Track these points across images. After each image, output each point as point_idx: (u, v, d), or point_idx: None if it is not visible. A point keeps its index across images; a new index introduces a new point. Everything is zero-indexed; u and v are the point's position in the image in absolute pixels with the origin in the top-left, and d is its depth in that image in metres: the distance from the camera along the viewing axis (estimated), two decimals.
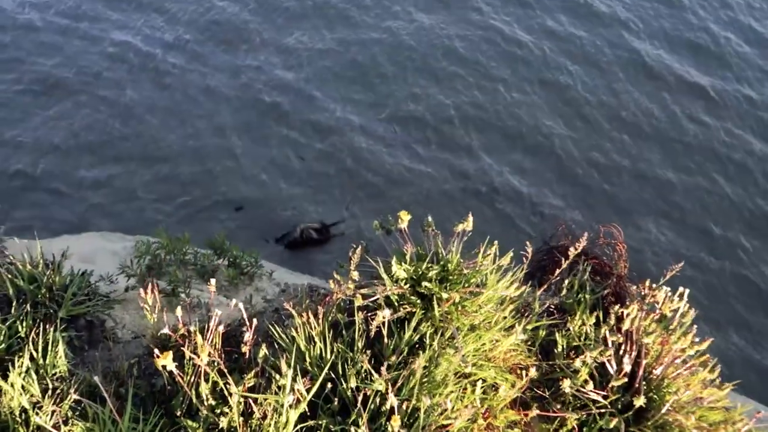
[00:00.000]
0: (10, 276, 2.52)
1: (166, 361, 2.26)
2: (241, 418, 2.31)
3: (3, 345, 2.30)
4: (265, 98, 12.64)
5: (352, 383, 2.44)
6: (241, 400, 2.35)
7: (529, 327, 2.90)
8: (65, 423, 2.18)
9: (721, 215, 9.93)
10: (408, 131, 12.11)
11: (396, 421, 2.11)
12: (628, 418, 2.79)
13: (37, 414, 2.13)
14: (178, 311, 2.47)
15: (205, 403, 2.38)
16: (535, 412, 2.70)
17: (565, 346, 2.95)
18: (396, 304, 2.71)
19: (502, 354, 2.84)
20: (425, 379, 2.52)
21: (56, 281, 2.59)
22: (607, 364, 2.80)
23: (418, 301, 2.72)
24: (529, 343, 2.95)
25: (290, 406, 2.25)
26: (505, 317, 2.73)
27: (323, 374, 2.36)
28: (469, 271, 2.80)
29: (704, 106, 11.76)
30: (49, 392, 2.27)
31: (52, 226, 10.64)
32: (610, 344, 2.85)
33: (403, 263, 2.74)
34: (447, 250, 2.90)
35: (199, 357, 2.32)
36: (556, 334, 2.95)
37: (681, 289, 3.11)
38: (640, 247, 8.99)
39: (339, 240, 10.90)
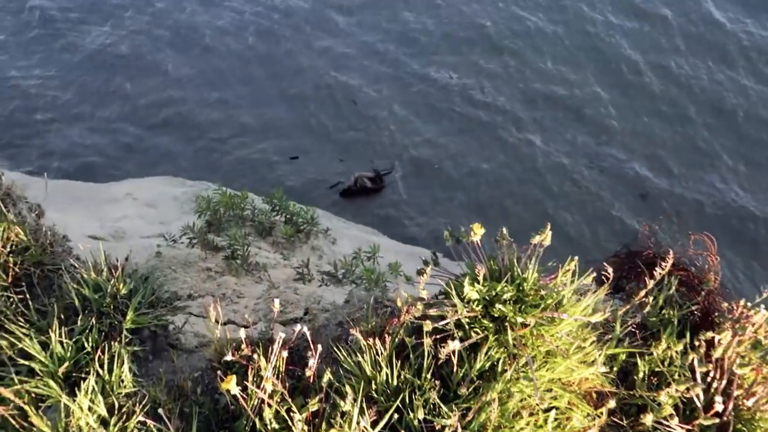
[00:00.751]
0: (75, 286, 2.48)
1: (229, 386, 2.20)
2: None
3: (71, 361, 2.29)
4: (317, 44, 12.29)
5: (420, 415, 2.33)
6: (305, 428, 2.29)
7: (610, 352, 2.69)
8: None
9: None
10: (464, 77, 11.58)
11: None
12: None
13: None
14: (241, 332, 2.38)
15: (269, 427, 2.33)
16: None
17: (647, 373, 2.74)
18: (467, 327, 2.54)
19: (577, 379, 2.65)
20: (497, 412, 2.39)
21: (120, 289, 2.54)
22: (696, 399, 2.58)
23: (491, 325, 2.55)
24: (608, 367, 2.75)
25: None
26: (584, 348, 2.53)
27: (393, 408, 2.25)
28: (546, 292, 2.59)
29: None
30: (116, 410, 2.25)
31: (117, 169, 10.94)
32: (698, 376, 2.62)
33: (476, 284, 2.55)
34: (522, 264, 2.68)
35: (262, 385, 2.25)
36: (638, 360, 2.73)
37: None
38: (732, 259, 8.39)
39: (393, 189, 10.78)
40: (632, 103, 10.90)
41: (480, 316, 2.57)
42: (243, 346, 2.38)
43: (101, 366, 2.30)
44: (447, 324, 2.51)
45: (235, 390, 2.21)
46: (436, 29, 12.21)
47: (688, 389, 2.55)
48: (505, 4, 12.53)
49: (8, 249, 2.51)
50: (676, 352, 2.73)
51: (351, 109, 11.25)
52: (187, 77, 11.60)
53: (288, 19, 12.49)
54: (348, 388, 2.34)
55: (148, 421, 2.20)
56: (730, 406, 2.65)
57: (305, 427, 2.29)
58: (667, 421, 2.57)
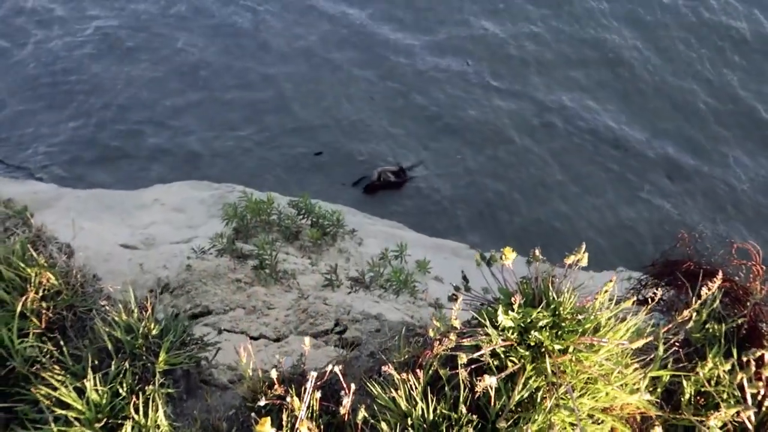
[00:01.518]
0: (107, 329, 2.48)
1: (264, 428, 2.18)
2: None
3: (107, 408, 2.29)
4: (335, 43, 12.18)
5: None
6: None
7: (652, 374, 2.59)
8: None
9: None
10: (481, 66, 11.37)
11: None
12: None
13: None
14: (272, 373, 2.35)
15: None
16: None
17: (692, 393, 2.63)
18: (503, 356, 2.47)
19: (620, 404, 2.57)
20: None
21: (152, 329, 2.54)
22: (747, 422, 2.47)
23: (527, 354, 2.47)
24: (651, 389, 2.65)
25: None
26: (626, 373, 2.44)
27: None
28: (584, 317, 2.50)
29: None
30: None
31: (145, 175, 11.08)
32: (748, 397, 2.50)
33: (510, 312, 2.47)
34: (557, 287, 2.59)
35: (297, 427, 2.23)
36: (683, 380, 2.63)
37: None
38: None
39: (416, 182, 10.68)
40: (661, 79, 10.56)
41: (515, 344, 2.49)
42: (276, 386, 2.35)
43: (137, 411, 2.30)
44: (482, 354, 2.44)
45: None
46: (448, 21, 11.99)
47: (739, 412, 2.44)
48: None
49: (41, 294, 2.52)
50: (724, 371, 2.62)
51: (370, 104, 11.15)
52: (204, 79, 11.64)
53: (303, 17, 12.40)
54: (384, 425, 2.31)
55: None
56: None
57: None
58: None
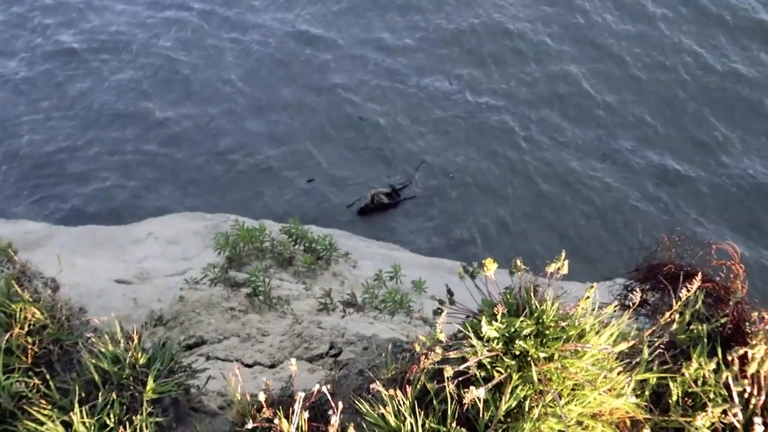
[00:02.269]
0: (93, 360, 2.49)
1: None
2: None
3: None
4: (313, 66, 12.31)
5: None
6: None
7: (638, 378, 2.61)
8: None
9: None
10: (463, 83, 11.51)
11: None
12: None
13: None
14: (260, 395, 2.36)
15: None
16: None
17: (680, 395, 2.65)
18: (489, 367, 2.48)
19: (608, 408, 2.57)
20: None
21: (139, 359, 2.55)
22: (734, 421, 2.48)
23: (513, 363, 2.49)
24: (638, 392, 2.66)
25: None
26: (611, 378, 2.45)
27: None
28: (567, 323, 2.52)
29: None
30: None
31: (137, 209, 11.09)
32: (734, 395, 2.52)
33: (494, 322, 2.49)
34: (539, 296, 2.62)
35: None
36: (670, 382, 2.64)
37: None
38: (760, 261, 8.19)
39: (410, 202, 10.74)
40: (638, 95, 10.71)
41: (501, 354, 2.51)
42: (264, 408, 2.36)
43: None
44: (468, 366, 2.46)
45: None
46: (429, 39, 12.18)
47: (725, 411, 2.45)
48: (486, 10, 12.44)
49: (26, 329, 2.54)
50: (709, 370, 2.63)
51: (360, 125, 11.27)
52: (192, 114, 11.73)
53: (284, 44, 12.56)
54: None
55: None
56: None
57: None
58: None
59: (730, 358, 2.65)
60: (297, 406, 2.34)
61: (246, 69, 12.22)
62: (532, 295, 2.58)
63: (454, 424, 2.35)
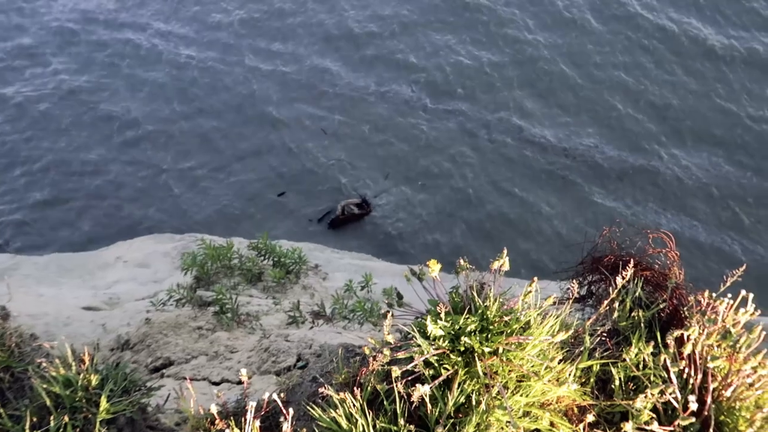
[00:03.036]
0: (45, 385, 2.50)
1: None
2: None
3: None
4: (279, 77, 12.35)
5: None
6: None
7: (582, 366, 2.71)
8: None
9: None
10: (423, 91, 11.67)
11: None
12: None
13: None
14: (212, 408, 2.40)
15: None
16: None
17: (622, 379, 2.76)
18: (436, 365, 2.56)
19: (555, 397, 2.67)
20: None
21: (92, 380, 2.56)
22: (672, 401, 2.59)
23: (459, 359, 2.57)
24: (584, 380, 2.77)
25: None
26: (554, 367, 2.55)
27: None
28: (510, 318, 2.61)
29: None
30: None
31: (103, 234, 10.96)
32: (672, 376, 2.63)
33: (438, 321, 2.57)
34: (483, 295, 2.71)
35: None
36: (612, 368, 2.75)
37: (743, 292, 2.82)
38: (691, 247, 8.47)
39: (380, 212, 10.81)
40: (596, 86, 11.00)
41: (448, 352, 2.59)
42: (216, 421, 2.40)
43: None
44: (416, 365, 2.53)
45: None
46: (385, 44, 12.34)
47: (662, 391, 2.56)
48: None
49: None
50: (648, 354, 2.75)
51: (322, 137, 11.35)
52: (157, 132, 11.66)
53: (232, 55, 12.56)
54: None
55: None
56: (709, 400, 2.66)
57: None
58: (649, 425, 2.58)
59: (668, 341, 2.77)
60: (249, 416, 2.38)
61: (210, 87, 12.21)
62: (475, 293, 2.67)
63: (403, 422, 2.42)
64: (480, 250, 9.25)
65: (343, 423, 2.45)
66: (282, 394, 2.48)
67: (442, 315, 2.57)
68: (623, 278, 2.72)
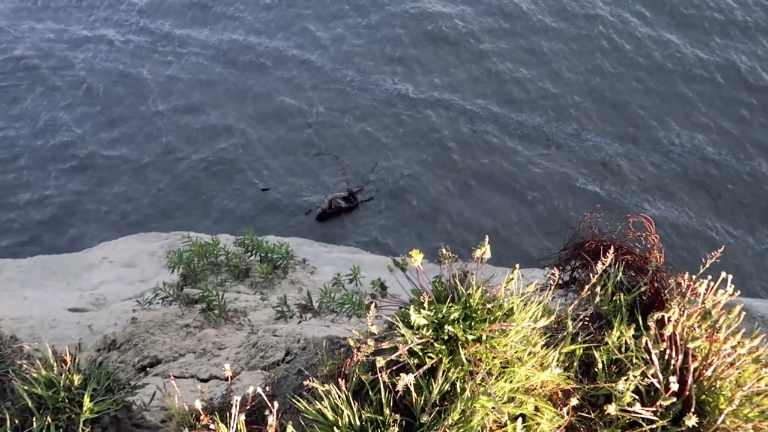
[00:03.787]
0: (26, 387, 2.47)
1: None
2: None
3: None
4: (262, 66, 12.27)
5: None
6: None
7: (565, 350, 2.73)
8: None
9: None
10: (405, 81, 11.68)
11: None
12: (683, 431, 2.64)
13: None
14: (197, 403, 2.39)
15: None
16: None
17: (605, 362, 2.79)
18: (421, 354, 2.57)
19: (539, 382, 2.69)
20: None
21: (74, 380, 2.54)
22: (654, 382, 2.63)
23: (443, 347, 2.58)
24: (567, 364, 2.79)
25: None
26: (537, 352, 2.57)
27: None
28: (493, 305, 2.63)
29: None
30: None
31: (87, 234, 10.84)
32: (653, 357, 2.67)
33: (422, 310, 2.58)
34: (466, 283, 2.72)
35: None
36: (594, 352, 2.78)
37: (723, 274, 2.86)
38: (672, 231, 8.57)
39: (367, 204, 10.82)
40: (578, 77, 11.07)
41: (432, 341, 2.60)
42: (201, 416, 2.39)
43: None
44: (401, 355, 2.54)
45: None
46: (372, 41, 12.32)
47: (644, 373, 2.59)
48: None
49: None
50: (630, 337, 2.78)
51: (308, 132, 11.31)
52: (147, 131, 11.57)
53: (222, 54, 12.50)
54: None
55: None
56: (690, 380, 2.70)
57: None
58: (631, 407, 2.62)
59: (649, 323, 2.81)
60: (234, 411, 2.38)
61: (194, 83, 12.12)
62: (458, 281, 2.68)
63: (389, 412, 2.43)
64: (463, 239, 9.30)
65: (329, 414, 2.46)
66: (267, 388, 2.48)
67: (426, 304, 2.58)
68: (604, 263, 2.74)
